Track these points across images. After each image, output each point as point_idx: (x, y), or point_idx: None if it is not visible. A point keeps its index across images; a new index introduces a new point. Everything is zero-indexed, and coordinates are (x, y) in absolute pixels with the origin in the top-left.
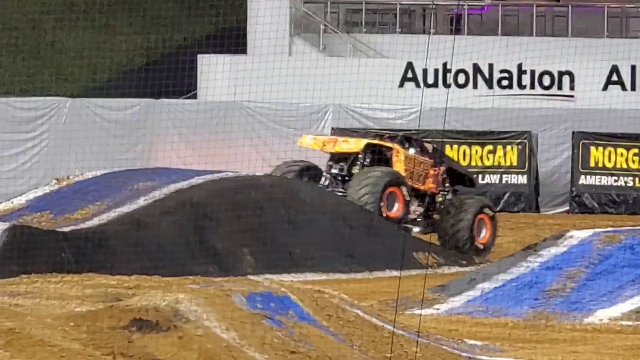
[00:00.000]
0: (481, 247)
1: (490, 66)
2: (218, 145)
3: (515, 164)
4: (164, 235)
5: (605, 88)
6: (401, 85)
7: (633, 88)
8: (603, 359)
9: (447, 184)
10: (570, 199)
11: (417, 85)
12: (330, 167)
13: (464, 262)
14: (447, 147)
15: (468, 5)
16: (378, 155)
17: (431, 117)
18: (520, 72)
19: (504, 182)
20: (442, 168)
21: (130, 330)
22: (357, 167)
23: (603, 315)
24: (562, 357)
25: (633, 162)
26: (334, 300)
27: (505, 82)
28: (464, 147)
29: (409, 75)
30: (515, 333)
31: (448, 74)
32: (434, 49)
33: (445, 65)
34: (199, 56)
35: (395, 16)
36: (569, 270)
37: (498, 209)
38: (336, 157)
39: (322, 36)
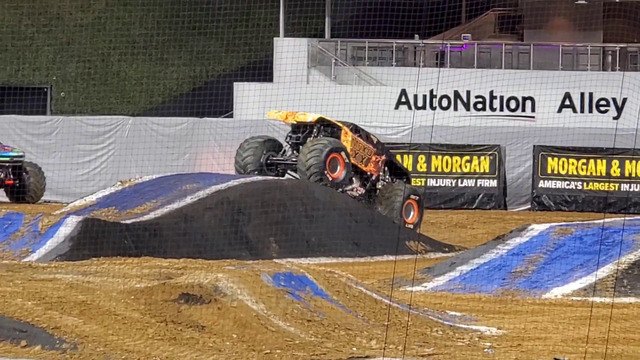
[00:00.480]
0: (410, 225)
1: (468, 92)
2: None
3: (487, 171)
4: (207, 226)
5: (559, 110)
6: (396, 107)
7: (582, 111)
8: (557, 327)
9: (387, 176)
10: (532, 199)
11: (409, 108)
12: (290, 137)
13: (447, 249)
14: (433, 157)
15: (450, 44)
16: (329, 134)
17: (421, 133)
18: (492, 97)
19: (478, 185)
20: (383, 158)
21: (179, 302)
22: (311, 137)
23: (557, 292)
24: (525, 325)
25: (582, 170)
26: (342, 279)
27: (479, 105)
28: (446, 157)
29: (403, 99)
30: (487, 306)
31: (434, 99)
32: (423, 78)
33: (432, 91)
34: (235, 84)
35: (392, 52)
36: (530, 256)
37: (473, 207)
38: (295, 129)
39: (334, 68)
